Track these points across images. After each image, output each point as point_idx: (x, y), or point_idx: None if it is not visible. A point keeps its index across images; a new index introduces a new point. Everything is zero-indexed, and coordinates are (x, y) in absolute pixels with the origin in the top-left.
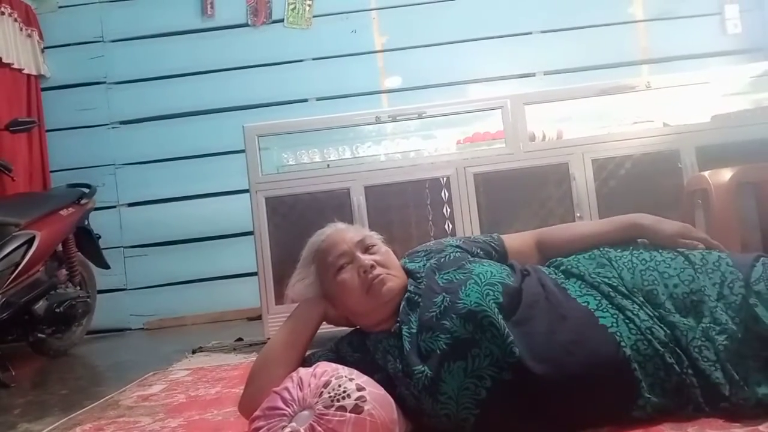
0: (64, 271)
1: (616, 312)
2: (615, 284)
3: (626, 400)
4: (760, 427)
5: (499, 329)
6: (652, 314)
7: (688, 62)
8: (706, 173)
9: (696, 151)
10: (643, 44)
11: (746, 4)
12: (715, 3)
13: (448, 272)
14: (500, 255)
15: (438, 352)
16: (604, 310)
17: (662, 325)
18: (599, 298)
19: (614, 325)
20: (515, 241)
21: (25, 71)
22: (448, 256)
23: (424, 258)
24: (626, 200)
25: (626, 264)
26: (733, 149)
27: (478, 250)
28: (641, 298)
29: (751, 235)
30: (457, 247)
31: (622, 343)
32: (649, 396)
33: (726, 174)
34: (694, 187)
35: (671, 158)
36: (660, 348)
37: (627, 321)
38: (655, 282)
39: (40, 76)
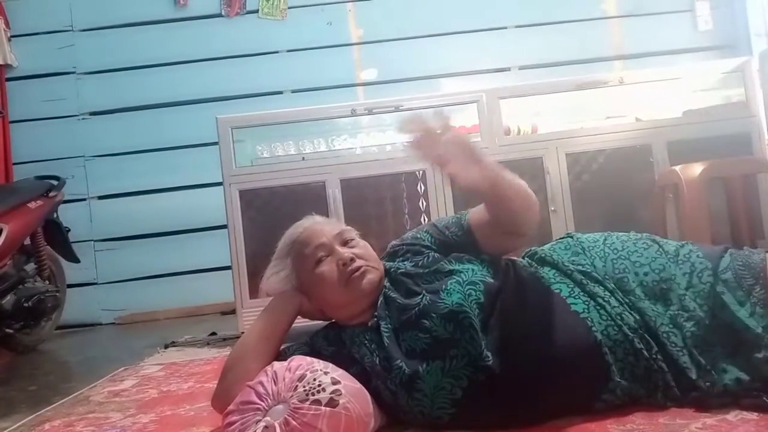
0: (32, 265)
1: (588, 299)
2: (588, 271)
3: (597, 384)
4: (728, 416)
5: (477, 331)
6: (622, 301)
7: (660, 58)
8: (677, 168)
9: (667, 146)
10: (616, 40)
11: (717, 1)
12: (686, 0)
13: (428, 271)
14: (466, 231)
15: (417, 351)
16: (576, 297)
17: (632, 312)
18: (572, 285)
19: (585, 311)
20: (477, 212)
21: None
22: (426, 257)
23: (401, 259)
24: (599, 194)
25: (599, 253)
26: (703, 144)
27: (453, 236)
28: (612, 285)
29: (720, 229)
30: (433, 243)
31: (593, 328)
32: (619, 380)
33: (696, 169)
34: (666, 182)
35: (643, 153)
36: (630, 333)
37: (598, 307)
38: (626, 270)
39: (6, 66)
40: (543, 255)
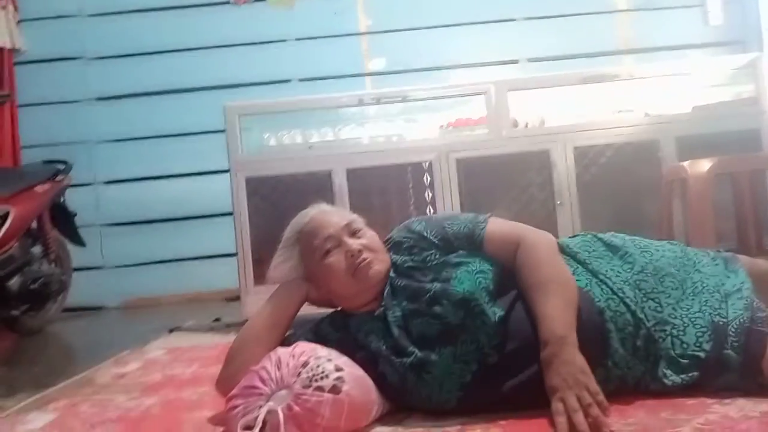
0: (38, 248)
1: (590, 276)
2: (590, 249)
3: (596, 352)
4: (731, 413)
5: (488, 317)
6: (626, 279)
7: (669, 53)
8: (685, 163)
9: (676, 141)
10: (626, 34)
11: None
12: None
13: (436, 264)
14: (476, 247)
15: (428, 336)
16: (580, 274)
17: (634, 289)
18: (575, 265)
19: (587, 286)
20: (496, 243)
21: None
22: (433, 254)
23: (406, 252)
24: (606, 188)
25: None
26: (712, 140)
27: (460, 246)
28: (618, 261)
29: (726, 225)
30: (439, 243)
31: (596, 300)
32: (617, 347)
33: (704, 164)
34: (673, 177)
35: (651, 148)
36: (631, 305)
37: (600, 283)
38: (637, 261)
39: (14, 50)
40: None
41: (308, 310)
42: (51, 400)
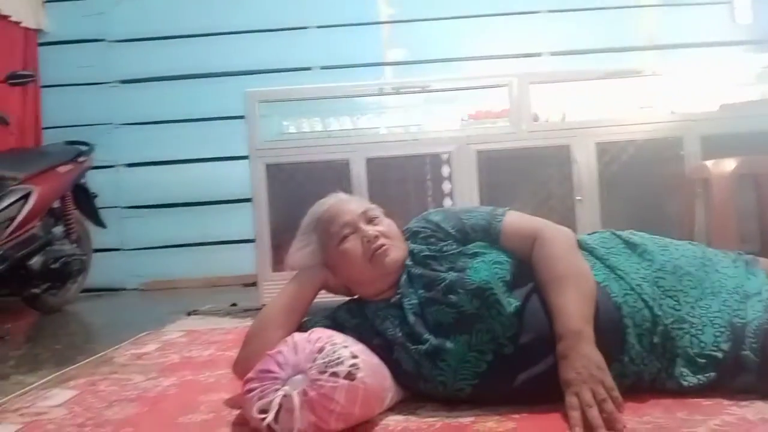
0: (60, 228)
1: (608, 271)
2: (609, 246)
3: (613, 347)
4: (748, 415)
5: (503, 308)
6: (645, 276)
7: (696, 50)
8: (708, 163)
9: (701, 140)
10: (652, 29)
11: None
12: None
13: (452, 254)
14: (492, 240)
15: (444, 324)
16: (598, 270)
17: (653, 285)
18: (593, 261)
19: (605, 281)
20: (513, 236)
21: (23, 24)
22: (449, 245)
23: (422, 242)
24: (627, 185)
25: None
26: (737, 140)
27: (476, 238)
28: (637, 258)
29: (749, 227)
30: (456, 235)
31: (613, 294)
32: (634, 343)
33: (728, 164)
34: (696, 176)
35: (675, 146)
36: (649, 301)
37: (617, 279)
38: (656, 260)
39: (38, 31)
40: None
41: (325, 297)
42: (71, 378)
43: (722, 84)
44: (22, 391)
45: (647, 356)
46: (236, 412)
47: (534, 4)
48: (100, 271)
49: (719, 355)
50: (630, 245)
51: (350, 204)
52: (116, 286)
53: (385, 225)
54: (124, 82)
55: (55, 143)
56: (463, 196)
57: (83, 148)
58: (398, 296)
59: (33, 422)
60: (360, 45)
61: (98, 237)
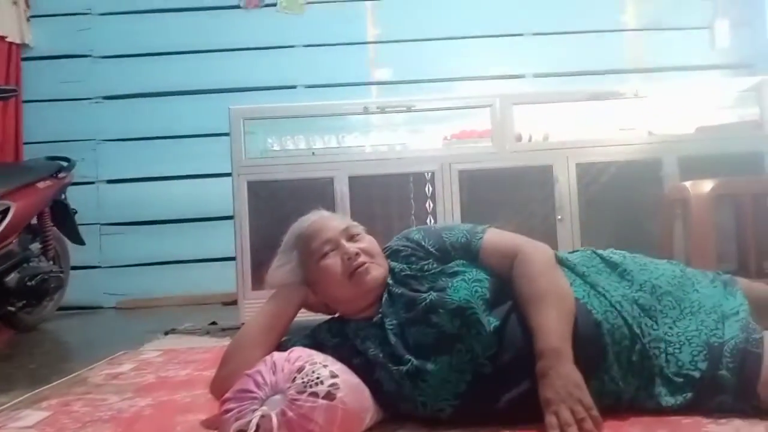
0: (37, 245)
1: (588, 288)
2: (589, 264)
3: (591, 364)
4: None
5: (483, 327)
6: (624, 294)
7: (676, 73)
8: (687, 183)
9: (679, 161)
10: (633, 53)
11: (736, 20)
12: (705, 17)
13: (432, 273)
14: (472, 257)
15: (425, 345)
16: (578, 286)
17: (633, 304)
18: (573, 277)
19: (585, 297)
20: (493, 253)
21: (8, 39)
22: (430, 263)
23: (403, 260)
24: (608, 205)
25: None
26: (715, 162)
27: (456, 255)
28: (617, 277)
29: (727, 247)
30: (436, 252)
31: (593, 311)
32: (613, 361)
33: (706, 185)
34: (675, 197)
35: (654, 167)
36: (628, 319)
37: (598, 296)
38: (636, 277)
39: (23, 45)
40: None
41: (306, 316)
42: (44, 398)
43: (700, 107)
44: None
45: (625, 374)
46: None
47: (518, 27)
48: (78, 288)
49: (696, 374)
50: (610, 264)
51: (332, 221)
52: (93, 304)
53: (367, 242)
54: (107, 98)
55: (35, 158)
56: (445, 214)
57: (64, 163)
58: (379, 316)
59: None
60: (345, 64)
61: (76, 254)
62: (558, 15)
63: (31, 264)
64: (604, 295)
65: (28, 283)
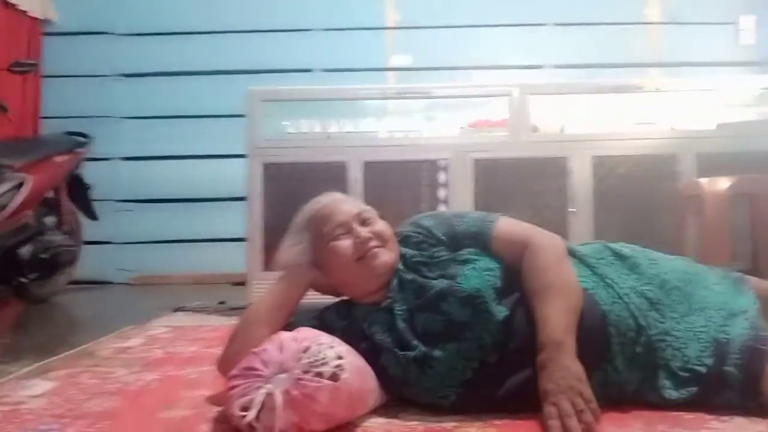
0: (52, 219)
1: (597, 279)
2: (599, 256)
3: (595, 355)
4: (729, 431)
5: (493, 316)
6: (631, 286)
7: (698, 69)
8: (703, 180)
9: (697, 157)
10: (655, 46)
11: (763, 16)
12: (730, 12)
13: (443, 260)
14: (482, 248)
15: (433, 332)
16: (586, 278)
17: (640, 296)
18: (583, 268)
19: (593, 288)
20: (504, 243)
21: (30, 13)
22: (440, 250)
23: (414, 246)
24: (622, 200)
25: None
26: (733, 159)
27: (467, 245)
28: (627, 270)
29: (741, 247)
30: (447, 241)
31: (600, 302)
32: (617, 352)
33: (723, 183)
34: (690, 194)
35: (671, 162)
36: (635, 311)
37: (606, 286)
38: (646, 271)
39: (44, 21)
40: None
41: (314, 297)
42: (52, 369)
43: (721, 103)
44: (2, 380)
45: (629, 366)
46: (218, 409)
47: (540, 17)
48: (89, 263)
49: (702, 369)
50: (620, 257)
51: (345, 204)
52: (104, 280)
53: (380, 226)
54: (127, 75)
55: (53, 133)
56: (458, 203)
57: (81, 139)
58: (389, 300)
59: (11, 411)
60: (364, 49)
61: (89, 229)
62: (580, 6)
63: (45, 237)
64: (612, 287)
65: (41, 256)
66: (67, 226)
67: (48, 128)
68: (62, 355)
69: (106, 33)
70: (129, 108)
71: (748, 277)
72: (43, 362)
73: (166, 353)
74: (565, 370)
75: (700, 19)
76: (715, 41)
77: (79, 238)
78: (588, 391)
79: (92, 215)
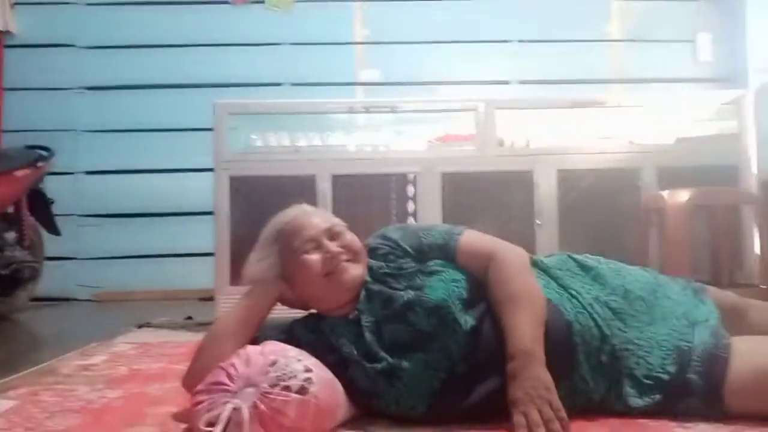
0: (13, 234)
1: (561, 290)
2: (563, 267)
3: (561, 365)
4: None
5: (460, 326)
6: (595, 296)
7: (658, 85)
8: (664, 193)
9: (657, 170)
10: (617, 63)
11: (719, 35)
12: (688, 30)
13: (410, 272)
14: (449, 259)
15: (400, 343)
16: (551, 288)
17: (604, 307)
18: (547, 280)
19: (558, 299)
20: (469, 255)
21: None
22: (407, 262)
23: (382, 259)
24: (586, 212)
25: (591, 263)
26: (692, 173)
27: (433, 256)
28: (590, 280)
29: (701, 257)
30: (413, 253)
31: (565, 313)
32: (582, 362)
33: (683, 195)
34: (651, 206)
35: (633, 176)
36: (599, 320)
37: (570, 297)
38: (610, 282)
39: (5, 33)
40: None
41: (282, 312)
42: (12, 387)
43: (681, 118)
44: None
45: (595, 375)
46: (183, 426)
47: (505, 34)
48: (52, 279)
49: (665, 377)
50: (584, 268)
51: (314, 217)
52: (68, 296)
53: (348, 239)
54: (89, 88)
55: (14, 147)
56: (426, 216)
57: (43, 153)
58: (356, 313)
59: None
60: (332, 64)
61: (51, 245)
62: (544, 23)
63: (5, 253)
64: (576, 297)
65: (2, 272)
66: (28, 241)
67: (9, 142)
68: (22, 373)
69: (68, 45)
70: (92, 121)
71: (708, 287)
72: (2, 380)
73: (131, 370)
74: (534, 380)
75: (659, 37)
76: (674, 58)
77: (41, 254)
78: (556, 401)
79: (54, 230)
